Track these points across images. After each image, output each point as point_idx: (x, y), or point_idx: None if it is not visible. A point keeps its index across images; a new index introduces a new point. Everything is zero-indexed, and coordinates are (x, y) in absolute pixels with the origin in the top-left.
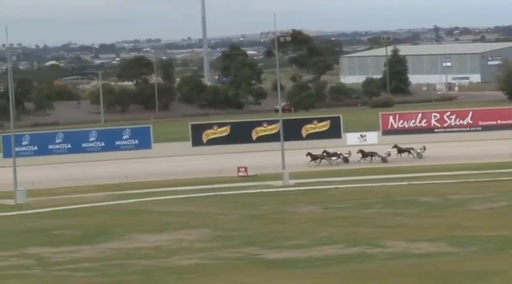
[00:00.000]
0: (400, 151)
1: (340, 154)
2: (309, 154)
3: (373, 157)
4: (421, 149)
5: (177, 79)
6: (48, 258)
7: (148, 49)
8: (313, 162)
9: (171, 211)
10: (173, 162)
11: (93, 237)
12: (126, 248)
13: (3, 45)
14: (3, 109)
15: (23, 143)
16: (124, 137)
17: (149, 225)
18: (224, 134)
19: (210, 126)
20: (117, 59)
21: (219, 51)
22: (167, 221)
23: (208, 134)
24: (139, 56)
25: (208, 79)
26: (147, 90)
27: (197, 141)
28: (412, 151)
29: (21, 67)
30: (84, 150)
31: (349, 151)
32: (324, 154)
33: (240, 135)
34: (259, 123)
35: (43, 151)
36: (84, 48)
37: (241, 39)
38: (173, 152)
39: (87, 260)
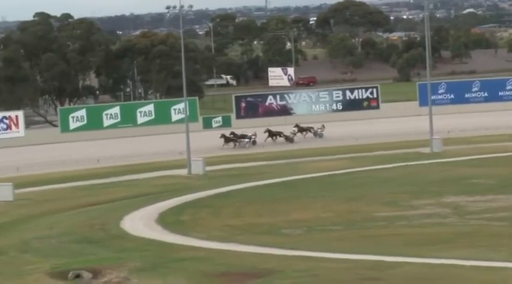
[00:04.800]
0: (301, 130)
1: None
2: (223, 136)
3: (277, 137)
4: (320, 128)
5: None
6: (465, 207)
7: None
8: (226, 145)
9: None
10: None
11: (510, 187)
12: None
13: None
14: (420, 58)
15: (439, 91)
16: None
17: None
18: None
19: None
20: None
21: None
22: None
23: None
24: None
25: None
26: None
27: None
28: (311, 130)
29: (438, 15)
30: (501, 99)
31: (255, 132)
32: (232, 136)
33: None
34: None
35: (459, 99)
36: None
37: None
38: None
39: (504, 210)
